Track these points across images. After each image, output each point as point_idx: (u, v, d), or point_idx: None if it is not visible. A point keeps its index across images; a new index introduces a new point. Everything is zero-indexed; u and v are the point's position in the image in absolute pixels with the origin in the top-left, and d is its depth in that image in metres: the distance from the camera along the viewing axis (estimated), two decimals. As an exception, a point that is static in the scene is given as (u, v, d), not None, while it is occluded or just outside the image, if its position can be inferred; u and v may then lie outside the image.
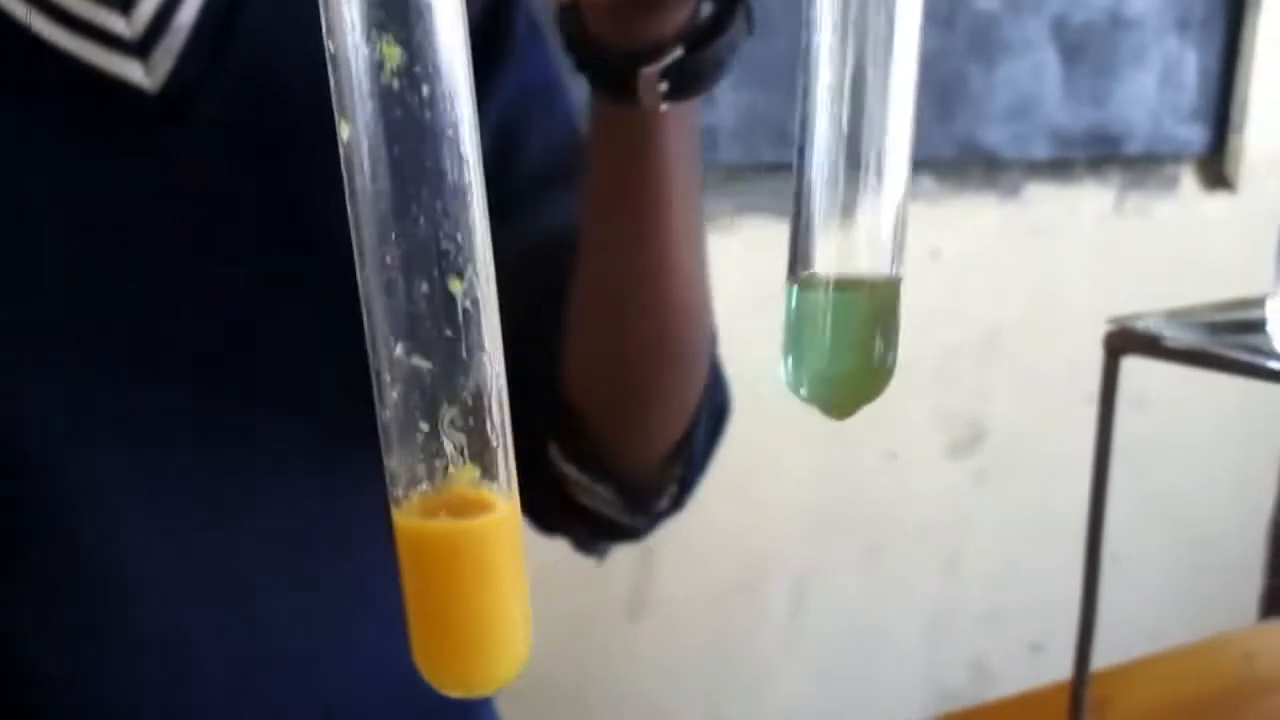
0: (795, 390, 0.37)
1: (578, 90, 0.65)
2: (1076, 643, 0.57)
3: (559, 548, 0.66)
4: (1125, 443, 1.83)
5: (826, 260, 0.36)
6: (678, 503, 0.62)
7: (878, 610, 1.65)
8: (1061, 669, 1.73)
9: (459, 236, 0.26)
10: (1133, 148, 1.68)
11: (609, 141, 0.51)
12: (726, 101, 1.37)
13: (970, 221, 1.59)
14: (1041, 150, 1.60)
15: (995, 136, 1.56)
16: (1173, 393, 1.81)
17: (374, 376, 0.27)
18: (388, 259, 0.26)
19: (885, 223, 0.36)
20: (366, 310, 0.27)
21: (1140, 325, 0.51)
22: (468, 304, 0.26)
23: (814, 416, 1.30)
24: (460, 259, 0.26)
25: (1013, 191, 1.62)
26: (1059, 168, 1.65)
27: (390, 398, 0.27)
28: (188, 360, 0.54)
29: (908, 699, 1.69)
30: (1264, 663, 0.83)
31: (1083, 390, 1.68)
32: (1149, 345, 0.50)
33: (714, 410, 0.62)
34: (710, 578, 1.51)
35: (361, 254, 0.26)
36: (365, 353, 0.26)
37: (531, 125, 0.62)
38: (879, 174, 0.35)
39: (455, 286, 0.26)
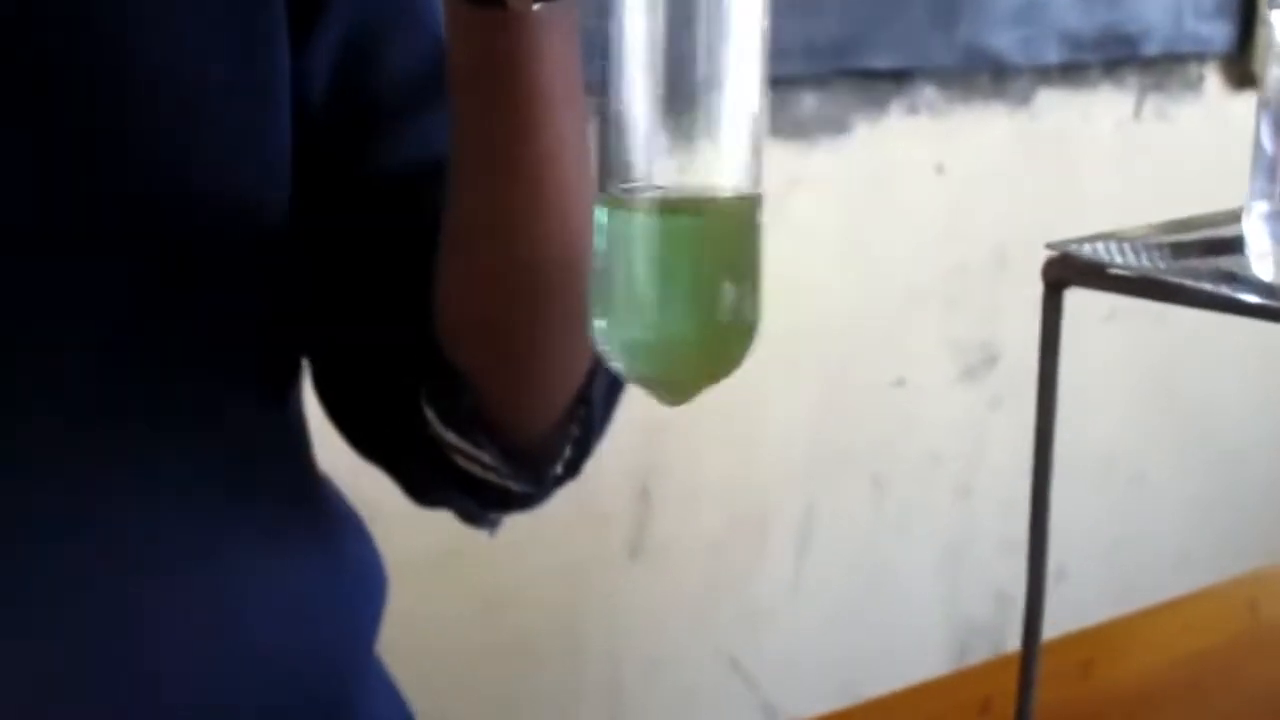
0: (608, 360, 0.28)
1: None
2: (1025, 615, 0.50)
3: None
4: (1148, 358, 1.76)
5: (651, 170, 0.26)
6: (572, 468, 0.55)
7: (890, 544, 1.60)
8: (1086, 596, 1.68)
9: None
10: (1151, 48, 1.61)
11: (470, 52, 0.44)
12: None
13: (977, 134, 1.52)
14: (1052, 54, 1.53)
15: (1002, 41, 1.49)
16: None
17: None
18: None
19: (733, 118, 0.26)
20: None
21: (1086, 251, 0.44)
22: None
23: (813, 344, 1.24)
24: None
25: (1022, 100, 1.55)
26: (1072, 73, 1.57)
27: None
28: None
29: (927, 634, 1.65)
30: (1272, 611, 0.75)
31: (1102, 308, 1.61)
32: (1095, 275, 0.43)
33: None
34: (711, 518, 1.46)
35: None
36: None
37: (390, 37, 0.55)
38: (719, 45, 0.26)
39: None
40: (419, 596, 1.28)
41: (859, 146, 1.44)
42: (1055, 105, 1.57)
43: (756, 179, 0.27)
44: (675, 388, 0.27)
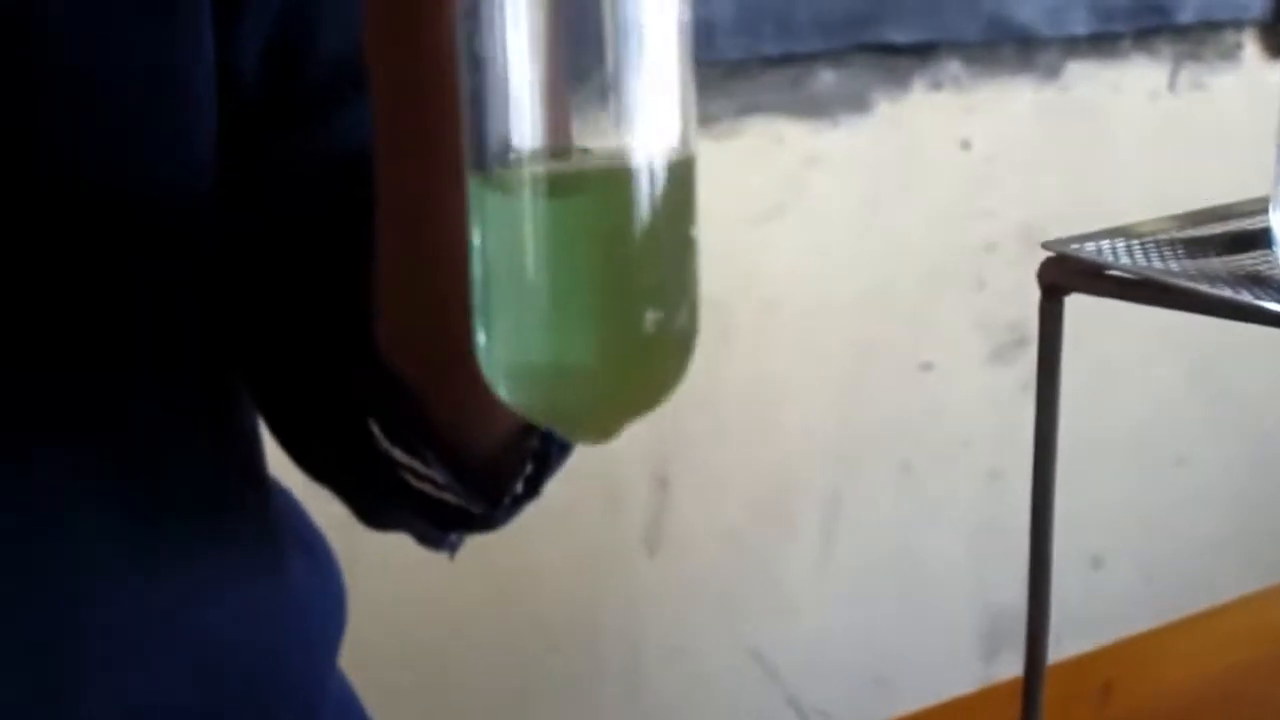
0: (495, 388, 0.22)
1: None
2: (1027, 637, 0.46)
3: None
4: (1188, 339, 1.71)
5: (538, 134, 0.20)
6: (534, 485, 0.51)
7: (919, 531, 1.56)
8: (1123, 583, 1.64)
9: None
10: (1185, 15, 1.55)
11: (384, 26, 0.41)
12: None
13: (1004, 108, 1.48)
14: (1081, 24, 1.48)
15: (1028, 11, 1.44)
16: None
17: None
18: None
19: (653, 63, 0.20)
20: None
21: (1089, 250, 0.40)
22: None
23: (836, 327, 1.19)
24: None
25: (1051, 73, 1.50)
26: (1102, 43, 1.52)
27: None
28: None
29: (957, 623, 1.61)
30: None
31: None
32: (1096, 279, 0.39)
33: None
34: (732, 507, 1.43)
35: None
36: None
37: (321, 19, 0.52)
38: None
39: None
40: (436, 585, 1.26)
41: (881, 124, 1.40)
42: (1085, 77, 1.52)
43: (687, 137, 0.21)
44: (583, 425, 0.21)
